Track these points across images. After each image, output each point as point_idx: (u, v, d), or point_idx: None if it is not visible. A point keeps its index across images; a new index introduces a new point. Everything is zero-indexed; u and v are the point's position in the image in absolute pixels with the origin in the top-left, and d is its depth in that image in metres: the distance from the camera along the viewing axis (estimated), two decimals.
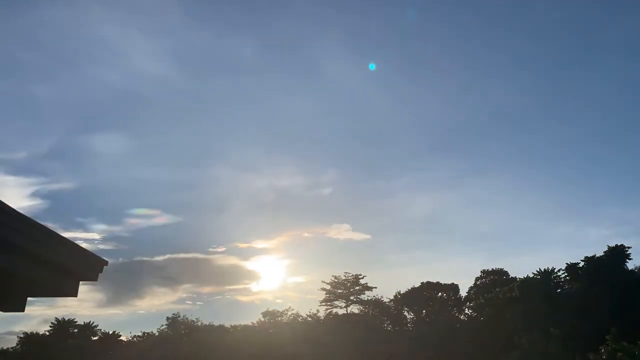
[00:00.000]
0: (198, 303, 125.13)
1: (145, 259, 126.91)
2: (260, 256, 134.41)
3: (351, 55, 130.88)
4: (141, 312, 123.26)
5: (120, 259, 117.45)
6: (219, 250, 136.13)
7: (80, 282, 4.79)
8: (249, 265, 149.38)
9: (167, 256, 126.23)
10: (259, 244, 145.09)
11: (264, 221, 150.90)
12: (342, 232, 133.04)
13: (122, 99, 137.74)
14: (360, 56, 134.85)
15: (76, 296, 4.77)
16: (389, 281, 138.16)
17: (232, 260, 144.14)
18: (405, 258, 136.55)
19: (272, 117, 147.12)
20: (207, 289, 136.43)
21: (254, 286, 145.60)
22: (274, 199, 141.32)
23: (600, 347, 47.29)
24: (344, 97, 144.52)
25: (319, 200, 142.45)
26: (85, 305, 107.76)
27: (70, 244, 4.34)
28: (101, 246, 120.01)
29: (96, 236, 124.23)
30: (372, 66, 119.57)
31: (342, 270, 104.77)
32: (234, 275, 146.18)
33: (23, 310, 4.79)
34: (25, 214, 3.92)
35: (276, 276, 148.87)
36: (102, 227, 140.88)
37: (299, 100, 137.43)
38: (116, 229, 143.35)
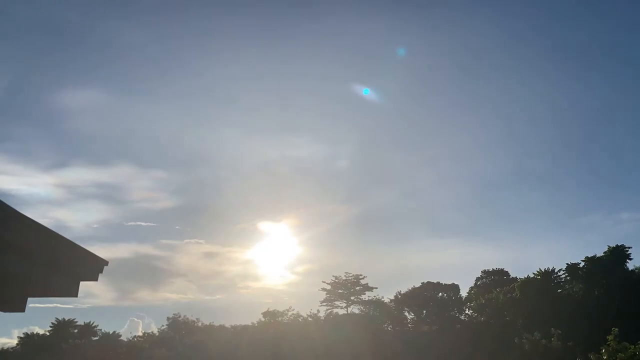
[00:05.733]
0: (206, 298, 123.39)
1: (152, 253, 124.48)
2: (270, 242, 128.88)
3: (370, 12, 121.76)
4: (153, 305, 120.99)
5: (126, 252, 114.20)
6: (227, 241, 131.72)
7: (81, 282, 4.80)
8: (257, 257, 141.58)
9: (172, 251, 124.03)
10: (268, 227, 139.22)
11: (275, 199, 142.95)
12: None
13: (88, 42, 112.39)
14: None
15: (76, 296, 4.77)
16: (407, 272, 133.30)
17: (241, 252, 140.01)
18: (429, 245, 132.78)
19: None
20: (214, 282, 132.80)
21: (263, 279, 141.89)
22: (286, 173, 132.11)
23: (601, 347, 47.17)
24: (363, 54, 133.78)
25: (335, 174, 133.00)
26: (92, 300, 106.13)
27: (70, 244, 4.33)
28: (101, 234, 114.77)
29: (95, 224, 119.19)
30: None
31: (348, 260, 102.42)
32: (245, 268, 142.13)
33: (23, 310, 4.79)
34: (25, 214, 3.92)
35: (286, 266, 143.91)
36: (102, 213, 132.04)
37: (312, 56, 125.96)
38: (117, 213, 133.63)
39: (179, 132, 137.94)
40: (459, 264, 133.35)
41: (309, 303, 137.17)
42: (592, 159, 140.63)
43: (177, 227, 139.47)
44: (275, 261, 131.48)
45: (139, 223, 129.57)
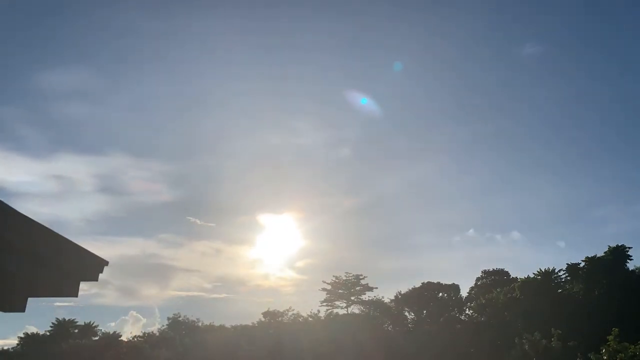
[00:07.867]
0: (211, 296, 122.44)
1: (152, 248, 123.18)
2: (273, 235, 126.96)
3: None
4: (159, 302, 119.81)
5: (126, 248, 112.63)
6: (229, 236, 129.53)
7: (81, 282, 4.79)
8: (260, 251, 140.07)
9: (173, 248, 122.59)
10: (270, 219, 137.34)
11: (276, 190, 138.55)
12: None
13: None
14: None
15: (76, 296, 4.77)
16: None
17: (244, 247, 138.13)
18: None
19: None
20: (217, 279, 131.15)
21: (266, 274, 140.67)
22: (289, 162, 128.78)
23: (601, 348, 47.21)
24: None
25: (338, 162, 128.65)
26: (99, 298, 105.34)
27: (70, 244, 4.32)
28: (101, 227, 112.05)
29: (91, 217, 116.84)
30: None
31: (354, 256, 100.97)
32: (248, 264, 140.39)
33: (24, 311, 4.78)
34: (25, 214, 3.91)
35: (289, 261, 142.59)
36: (99, 205, 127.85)
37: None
38: (114, 206, 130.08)
39: (175, 120, 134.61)
40: (463, 259, 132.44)
41: (311, 299, 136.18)
42: (601, 153, 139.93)
43: (176, 222, 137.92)
44: (278, 256, 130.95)
45: (137, 217, 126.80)
